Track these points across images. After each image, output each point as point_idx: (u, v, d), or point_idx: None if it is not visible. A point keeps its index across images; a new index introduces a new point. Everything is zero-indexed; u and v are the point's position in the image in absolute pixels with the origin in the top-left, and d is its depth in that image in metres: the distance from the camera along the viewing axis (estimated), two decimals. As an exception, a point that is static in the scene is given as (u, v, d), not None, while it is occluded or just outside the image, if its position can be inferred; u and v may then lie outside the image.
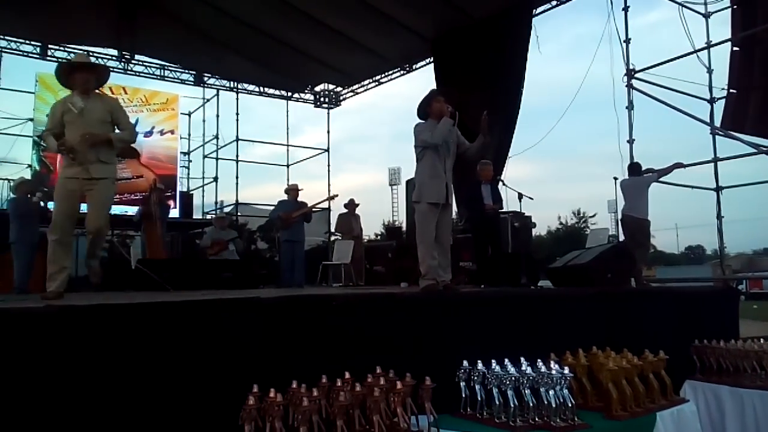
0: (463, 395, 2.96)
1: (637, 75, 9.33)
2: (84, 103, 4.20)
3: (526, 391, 2.82)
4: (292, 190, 8.95)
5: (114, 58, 13.72)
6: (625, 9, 9.42)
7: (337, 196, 9.85)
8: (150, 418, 2.38)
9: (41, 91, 13.18)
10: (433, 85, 11.80)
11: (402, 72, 14.44)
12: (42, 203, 8.08)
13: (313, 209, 9.11)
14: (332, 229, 11.98)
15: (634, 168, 8.06)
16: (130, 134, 4.51)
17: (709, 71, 9.96)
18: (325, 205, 11.01)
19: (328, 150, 16.43)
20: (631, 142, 9.14)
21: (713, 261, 29.51)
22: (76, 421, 2.24)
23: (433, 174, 4.68)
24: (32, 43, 12.79)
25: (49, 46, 12.99)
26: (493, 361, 2.92)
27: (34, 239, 7.78)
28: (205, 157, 16.31)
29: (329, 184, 16.11)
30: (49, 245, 4.12)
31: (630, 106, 9.25)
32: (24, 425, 2.14)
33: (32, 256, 7.73)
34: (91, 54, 13.35)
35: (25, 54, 12.85)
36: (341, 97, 16.61)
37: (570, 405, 2.84)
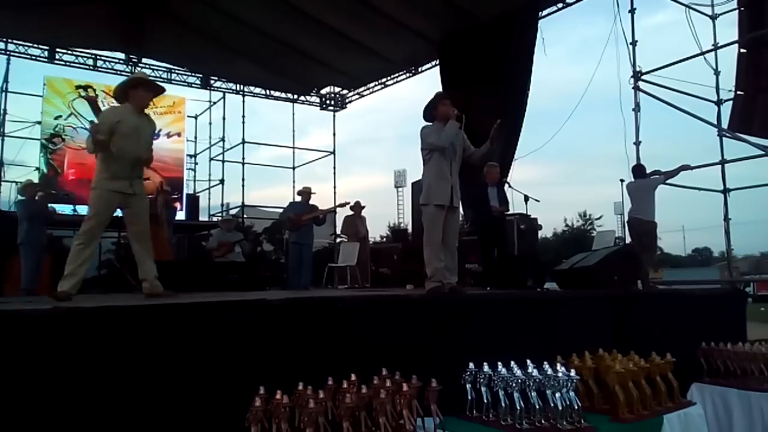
0: (469, 397, 2.95)
1: (643, 77, 9.30)
2: (138, 120, 4.39)
3: (533, 394, 2.82)
4: (305, 193, 8.93)
5: (121, 61, 13.79)
6: (632, 11, 9.40)
7: (348, 203, 9.81)
8: (157, 419, 2.39)
9: (49, 95, 13.29)
10: (439, 88, 11.80)
11: (408, 75, 14.45)
12: (48, 205, 8.12)
13: (324, 215, 9.07)
14: (338, 231, 11.98)
15: (639, 170, 8.04)
16: (149, 156, 4.63)
17: (716, 73, 9.92)
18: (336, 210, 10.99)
19: (333, 152, 16.45)
20: (637, 144, 9.12)
21: (720, 263, 29.36)
22: (84, 421, 2.25)
23: (439, 176, 4.70)
24: (40, 46, 12.86)
25: (57, 49, 13.07)
26: (499, 363, 2.92)
27: (41, 241, 7.84)
28: (211, 159, 16.37)
29: (335, 187, 16.13)
30: (75, 248, 4.18)
31: (636, 108, 9.23)
32: (32, 426, 2.15)
33: (40, 257, 7.78)
34: (98, 57, 13.48)
35: (33, 57, 12.92)
36: (347, 100, 16.63)
37: (576, 407, 2.83)
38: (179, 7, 12.25)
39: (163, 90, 4.78)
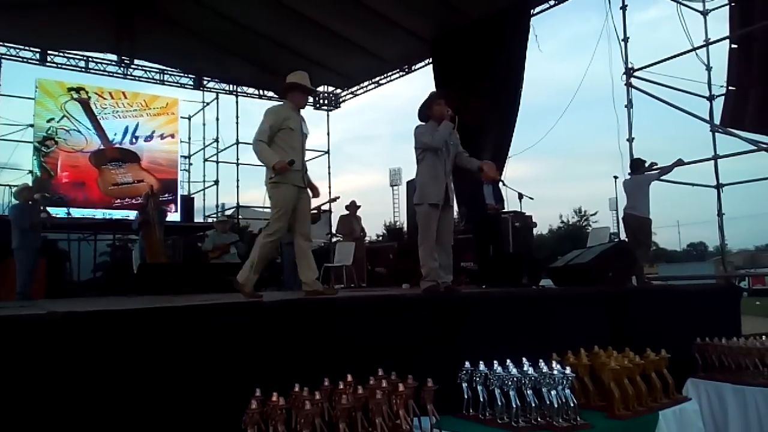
0: (466, 396, 2.96)
1: (636, 73, 9.33)
2: (299, 118, 4.57)
3: (528, 392, 2.83)
4: None
5: (113, 63, 13.74)
6: (623, 7, 9.41)
7: (338, 198, 9.83)
8: (153, 422, 2.39)
9: (41, 97, 13.21)
10: (433, 86, 11.83)
11: (401, 73, 14.44)
12: (43, 209, 8.08)
13: (318, 212, 9.09)
14: (333, 231, 11.98)
15: (636, 165, 8.07)
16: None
17: (708, 69, 9.95)
18: (326, 207, 11.01)
19: (328, 152, 16.43)
20: (630, 140, 9.14)
21: (715, 258, 29.46)
22: (81, 424, 2.25)
23: (433, 175, 4.70)
24: (31, 49, 12.78)
25: (49, 51, 13.00)
26: (495, 361, 2.93)
27: (36, 245, 7.80)
28: (205, 160, 16.31)
29: (330, 186, 16.08)
30: (264, 246, 4.31)
31: (629, 105, 9.25)
32: (30, 429, 2.15)
33: (35, 262, 7.75)
34: (90, 59, 13.42)
35: (25, 60, 12.84)
36: (341, 99, 16.62)
37: (572, 405, 2.85)
38: (170, 7, 12.23)
39: (315, 91, 4.90)
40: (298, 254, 4.48)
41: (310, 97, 4.77)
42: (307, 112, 16.74)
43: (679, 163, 8.05)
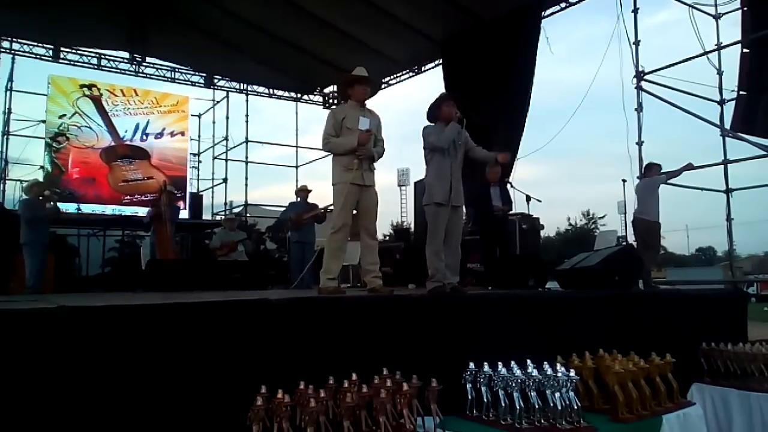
0: (469, 397, 2.98)
1: (646, 76, 9.29)
2: (360, 114, 4.59)
3: (532, 393, 2.84)
4: (303, 191, 9.01)
5: (125, 60, 13.85)
6: (635, 10, 9.37)
7: None
8: (159, 417, 2.42)
9: (53, 94, 13.31)
10: (443, 87, 11.82)
11: (411, 74, 14.44)
12: (52, 204, 8.14)
13: (326, 211, 9.14)
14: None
15: (648, 169, 8.03)
16: (383, 149, 4.82)
17: (719, 73, 9.89)
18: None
19: (337, 151, 16.46)
20: (640, 143, 9.10)
21: (724, 263, 29.29)
22: (88, 419, 2.28)
23: (439, 176, 4.73)
24: (44, 45, 12.91)
25: (61, 48, 13.13)
26: (499, 363, 2.94)
27: (45, 240, 7.86)
28: (214, 158, 16.40)
29: (338, 185, 16.15)
30: (334, 242, 4.51)
31: (639, 108, 9.21)
32: (38, 423, 2.18)
33: (44, 256, 7.82)
34: (102, 57, 13.52)
35: (38, 56, 12.98)
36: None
37: (576, 407, 2.85)
38: (183, 6, 12.30)
39: (378, 82, 4.89)
40: (362, 249, 4.67)
41: (367, 87, 4.74)
42: (317, 112, 16.96)
43: (689, 167, 8.00)
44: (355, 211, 4.60)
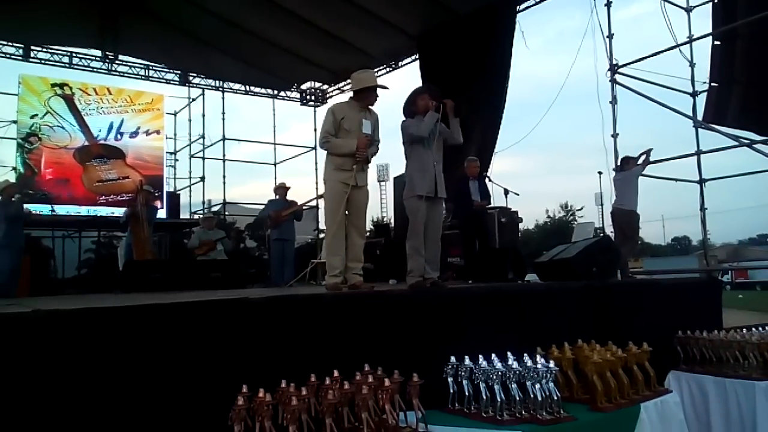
0: (451, 391, 2.99)
1: (620, 69, 9.41)
2: (360, 116, 4.57)
3: (513, 386, 2.86)
4: (281, 189, 8.99)
5: (98, 58, 13.63)
6: (608, 4, 9.48)
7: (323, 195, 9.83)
8: (140, 419, 2.40)
9: (24, 93, 13.05)
10: (419, 82, 11.83)
11: (388, 69, 14.43)
12: (24, 206, 7.99)
13: (303, 208, 9.12)
14: (320, 227, 11.97)
15: (625, 161, 8.13)
16: (377, 149, 4.79)
17: (692, 65, 10.07)
18: (313, 203, 11.01)
19: (315, 147, 16.41)
20: (615, 136, 9.23)
21: (699, 252, 29.81)
22: (65, 423, 2.25)
23: (421, 168, 4.73)
24: (14, 44, 12.67)
25: (32, 47, 12.89)
26: (480, 356, 2.96)
27: (20, 243, 7.72)
28: (191, 156, 16.27)
29: (317, 182, 16.09)
30: (332, 239, 4.56)
31: (614, 101, 9.34)
32: (13, 428, 2.15)
33: (18, 259, 7.68)
34: (74, 55, 13.29)
35: (8, 56, 12.73)
36: (327, 95, 16.60)
37: (556, 398, 2.89)
38: (155, 3, 12.14)
39: (384, 87, 4.84)
40: (348, 247, 4.66)
41: (376, 91, 4.73)
42: (294, 109, 16.91)
43: (645, 153, 8.03)
44: (347, 213, 4.59)
